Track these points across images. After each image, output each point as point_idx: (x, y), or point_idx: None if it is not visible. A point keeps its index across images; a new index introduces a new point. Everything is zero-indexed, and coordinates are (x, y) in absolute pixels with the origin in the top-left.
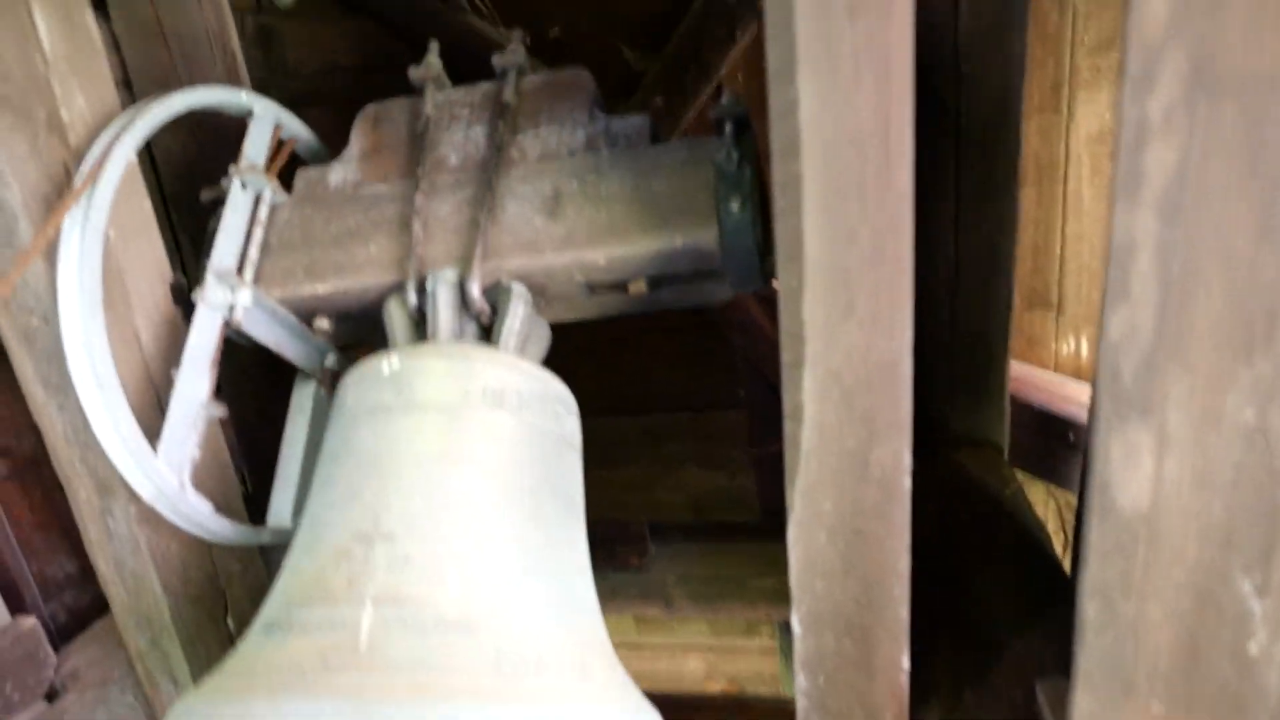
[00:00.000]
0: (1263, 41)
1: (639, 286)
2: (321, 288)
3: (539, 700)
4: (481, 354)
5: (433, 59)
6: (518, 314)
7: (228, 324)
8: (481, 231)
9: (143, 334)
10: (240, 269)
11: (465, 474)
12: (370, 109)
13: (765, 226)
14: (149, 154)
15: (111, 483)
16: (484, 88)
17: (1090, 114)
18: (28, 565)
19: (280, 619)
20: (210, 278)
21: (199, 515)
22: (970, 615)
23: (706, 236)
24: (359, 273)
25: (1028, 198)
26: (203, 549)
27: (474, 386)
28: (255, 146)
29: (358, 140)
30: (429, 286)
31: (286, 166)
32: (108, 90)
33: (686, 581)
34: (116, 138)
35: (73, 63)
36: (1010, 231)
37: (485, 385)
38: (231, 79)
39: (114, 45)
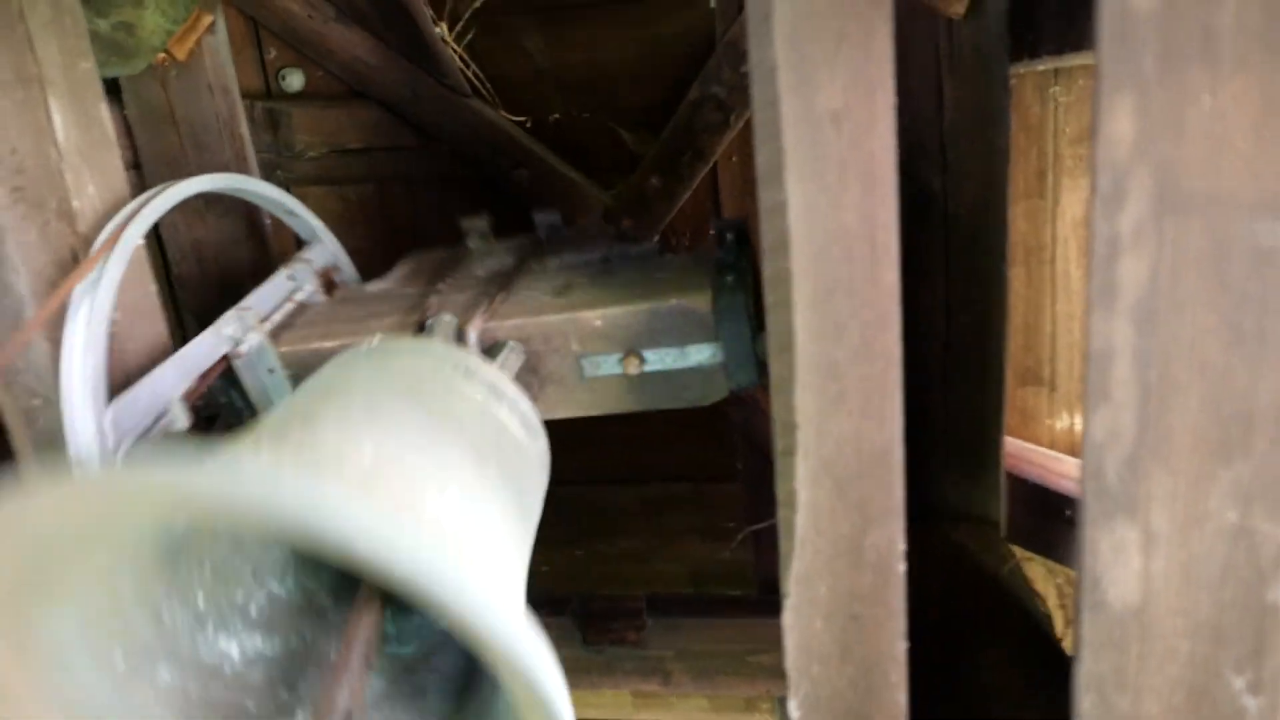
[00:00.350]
0: (1221, 164)
1: (632, 364)
2: (327, 344)
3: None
4: (461, 349)
5: (484, 220)
6: (509, 361)
7: (227, 357)
8: (490, 300)
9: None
10: (262, 321)
11: (413, 405)
12: (416, 253)
13: (759, 321)
14: (156, 234)
15: None
16: (525, 238)
17: (1075, 200)
18: None
19: None
20: (231, 311)
21: None
22: (969, 697)
23: (700, 300)
24: (367, 334)
25: (1017, 277)
26: None
27: (449, 358)
28: (316, 253)
29: (398, 268)
30: (428, 328)
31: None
32: (118, 178)
33: (685, 657)
34: (125, 224)
35: (85, 153)
36: (1000, 311)
37: (461, 361)
38: (240, 162)
39: (126, 129)
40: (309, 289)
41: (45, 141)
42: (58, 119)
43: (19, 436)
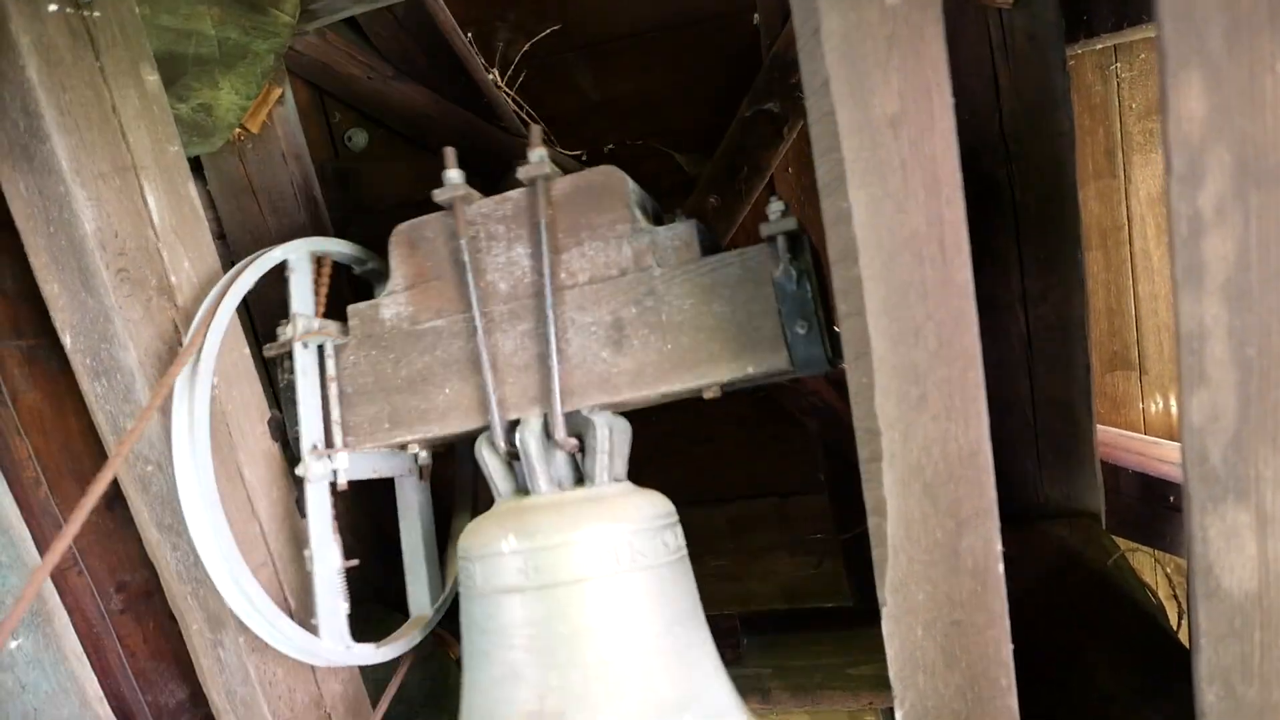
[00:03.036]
0: None
1: (713, 391)
2: (409, 436)
3: None
4: (586, 515)
5: (452, 174)
6: (604, 441)
7: (333, 485)
8: (552, 372)
9: (245, 470)
10: (329, 436)
11: (608, 645)
12: (402, 230)
13: (827, 306)
14: (244, 301)
15: (222, 615)
16: (514, 199)
17: (1148, 175)
18: (142, 694)
19: None
20: (308, 458)
21: (345, 656)
22: (1084, 695)
23: (777, 360)
24: (443, 420)
25: (1094, 262)
26: (306, 673)
27: (589, 557)
28: (300, 298)
29: (399, 267)
30: (518, 436)
31: (333, 287)
32: (209, 251)
33: (783, 673)
34: (219, 300)
35: (179, 231)
36: (1079, 297)
37: (600, 551)
38: (315, 223)
39: (210, 203)
40: (329, 341)
41: (143, 224)
42: (152, 201)
43: (135, 501)
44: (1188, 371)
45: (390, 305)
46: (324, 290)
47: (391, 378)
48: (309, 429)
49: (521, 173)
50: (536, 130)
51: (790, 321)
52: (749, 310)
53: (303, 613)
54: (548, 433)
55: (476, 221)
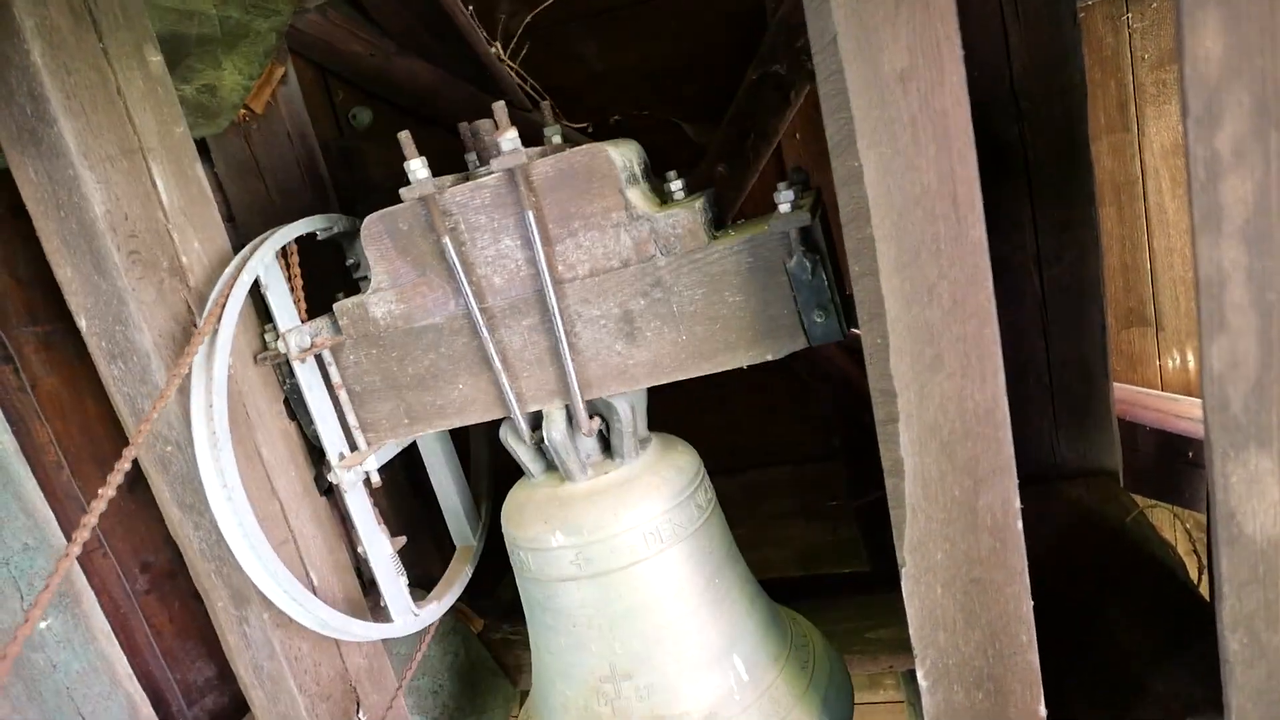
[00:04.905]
0: None
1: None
2: (429, 429)
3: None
4: (623, 504)
5: (414, 165)
6: (628, 422)
7: (367, 482)
8: (567, 368)
9: (263, 449)
10: (350, 441)
11: (659, 613)
12: (374, 224)
13: (837, 272)
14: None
15: (246, 592)
16: (490, 186)
17: (1162, 128)
18: (170, 673)
19: None
20: (337, 470)
21: (415, 623)
22: (1104, 653)
23: (795, 344)
24: (462, 414)
25: (1108, 217)
26: (331, 647)
27: (633, 544)
28: (282, 312)
29: (379, 263)
30: (545, 434)
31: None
32: (219, 232)
33: None
34: (232, 281)
35: (188, 212)
36: (1094, 255)
37: (642, 537)
38: (322, 202)
39: (217, 186)
40: (324, 351)
41: (152, 206)
42: (160, 183)
43: (156, 481)
44: (1207, 318)
45: (379, 303)
46: (299, 283)
47: (399, 375)
48: (330, 439)
49: (495, 164)
50: (500, 108)
51: (807, 310)
52: (764, 299)
53: (326, 588)
54: (570, 420)
55: (453, 212)
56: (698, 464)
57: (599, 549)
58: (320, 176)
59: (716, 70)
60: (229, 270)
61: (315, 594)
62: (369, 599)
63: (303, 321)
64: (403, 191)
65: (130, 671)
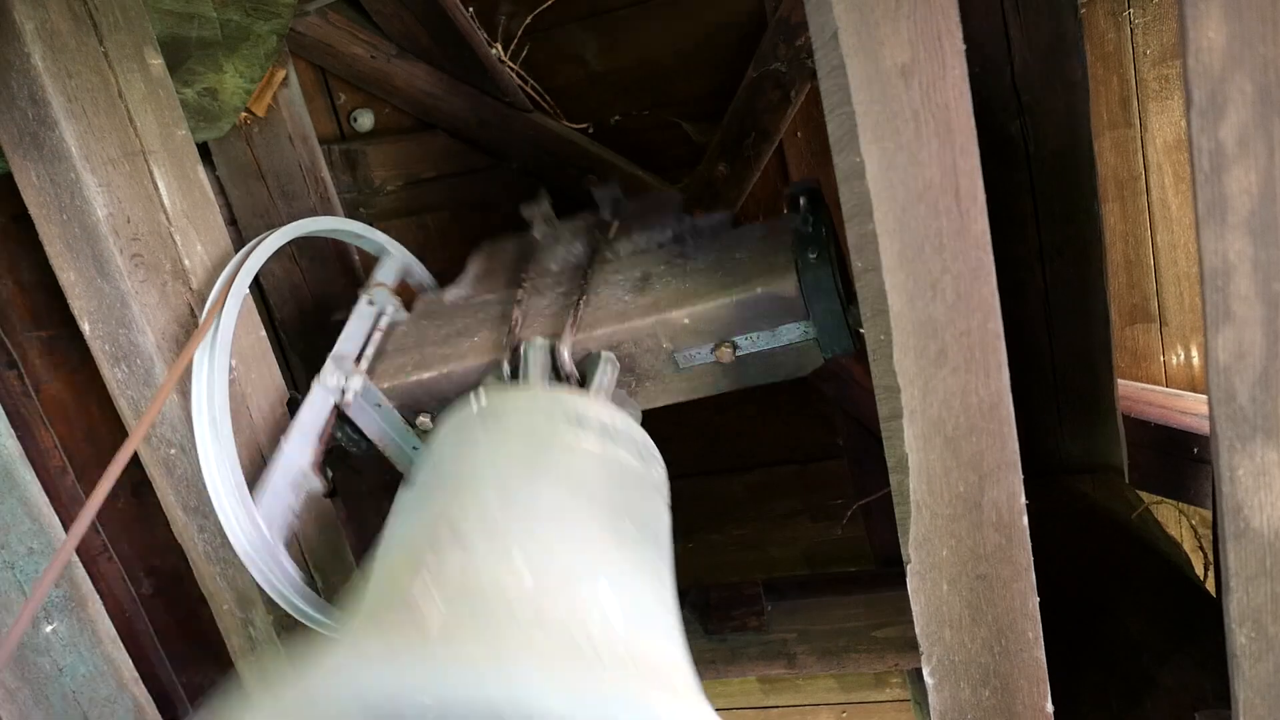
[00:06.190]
0: None
1: (725, 353)
2: (426, 375)
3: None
4: (569, 392)
5: (544, 202)
6: (606, 374)
7: (338, 407)
8: (575, 309)
9: (266, 451)
10: (357, 360)
11: (541, 480)
12: (486, 245)
13: (847, 287)
14: (258, 284)
15: (251, 594)
16: (586, 219)
17: (1165, 123)
18: (176, 676)
19: (355, 626)
20: (329, 362)
21: (287, 580)
22: (1112, 649)
23: (786, 284)
24: (461, 359)
25: (1112, 213)
26: None
27: (558, 410)
28: (385, 272)
29: (472, 267)
30: (522, 350)
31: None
32: (221, 234)
33: (808, 638)
34: (230, 280)
35: (190, 214)
36: (1098, 250)
37: (570, 410)
38: (324, 205)
39: (219, 189)
40: (390, 309)
41: (154, 208)
42: (162, 186)
43: (160, 484)
44: (1212, 309)
45: (454, 291)
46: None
47: (430, 335)
48: (340, 349)
49: (597, 193)
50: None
51: (802, 251)
52: (766, 250)
53: (331, 589)
54: (554, 359)
55: (549, 234)
56: (655, 450)
57: (514, 406)
58: (322, 179)
59: (716, 69)
60: (229, 267)
61: (321, 595)
62: None
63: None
64: (524, 209)
65: (136, 675)
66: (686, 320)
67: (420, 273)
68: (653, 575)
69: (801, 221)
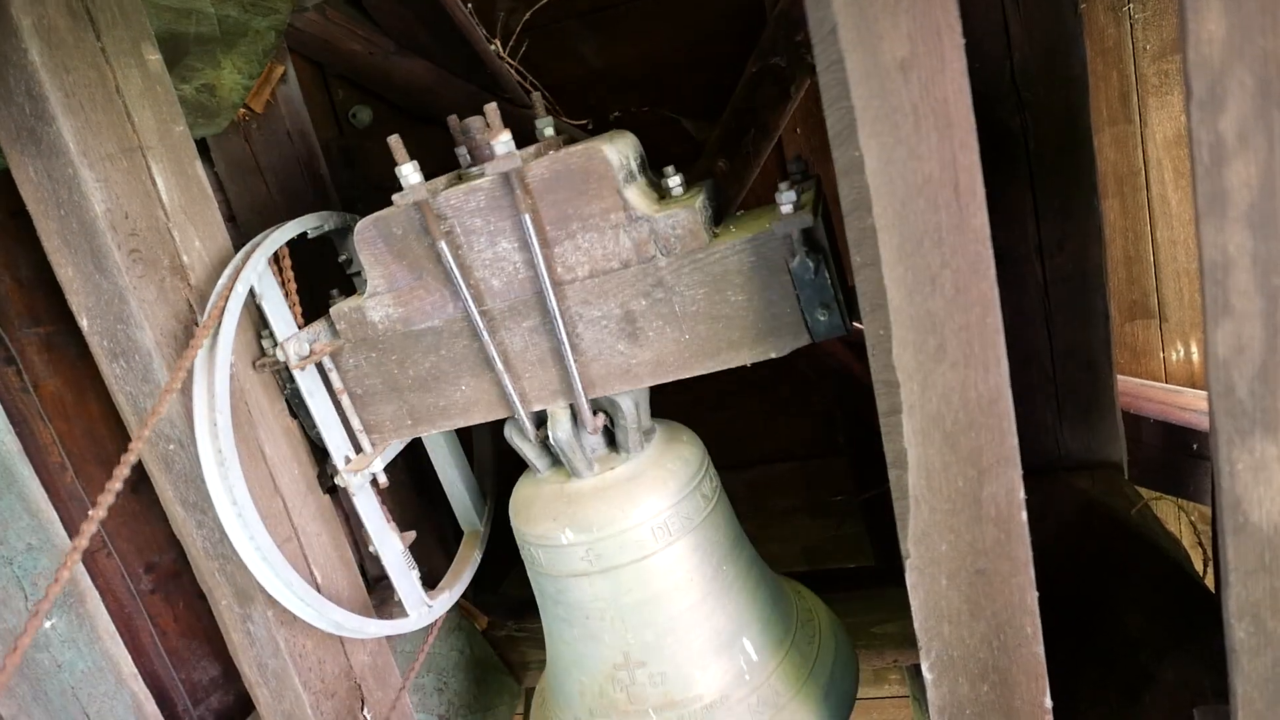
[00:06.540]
0: None
1: None
2: (432, 429)
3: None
4: (630, 500)
5: (407, 170)
6: (632, 419)
7: (374, 482)
8: (570, 369)
9: (266, 447)
10: (355, 444)
11: (669, 603)
12: (367, 228)
13: (839, 267)
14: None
15: (250, 590)
16: (485, 189)
17: (1164, 119)
18: (175, 672)
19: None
20: (344, 474)
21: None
22: (1111, 645)
23: (799, 341)
24: (466, 414)
25: (1111, 209)
26: (335, 645)
27: (642, 539)
28: (278, 319)
29: (374, 267)
30: (550, 434)
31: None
32: (220, 231)
33: None
34: (233, 279)
35: (188, 211)
36: (1097, 246)
37: (649, 532)
38: (323, 201)
39: (218, 186)
40: (326, 360)
41: (152, 204)
42: (160, 181)
43: (159, 480)
44: (1212, 303)
45: (376, 307)
46: (293, 287)
47: (400, 378)
48: (335, 442)
49: (489, 168)
50: (493, 110)
51: (810, 308)
52: (766, 298)
53: (330, 585)
54: (575, 419)
55: (448, 215)
56: (702, 453)
57: (608, 545)
58: (321, 175)
59: (716, 65)
60: (230, 268)
61: (319, 591)
62: (373, 596)
63: (299, 327)
64: (395, 197)
65: (135, 671)
66: (700, 373)
67: (309, 221)
68: (751, 581)
69: (800, 265)
